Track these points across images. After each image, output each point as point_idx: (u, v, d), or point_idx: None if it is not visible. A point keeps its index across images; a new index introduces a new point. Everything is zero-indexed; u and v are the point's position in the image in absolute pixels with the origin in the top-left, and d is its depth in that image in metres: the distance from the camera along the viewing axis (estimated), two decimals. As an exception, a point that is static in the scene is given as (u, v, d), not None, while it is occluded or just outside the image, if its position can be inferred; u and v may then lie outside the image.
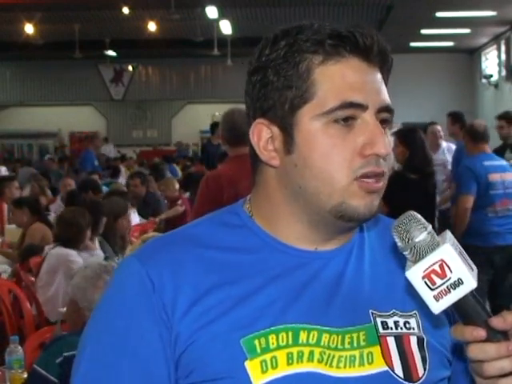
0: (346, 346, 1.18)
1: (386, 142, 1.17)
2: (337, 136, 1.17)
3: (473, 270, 1.09)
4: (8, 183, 9.01)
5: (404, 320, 1.23)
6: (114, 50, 18.93)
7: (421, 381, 1.20)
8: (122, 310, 1.19)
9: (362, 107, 1.17)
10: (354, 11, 14.76)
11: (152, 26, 15.25)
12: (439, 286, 1.07)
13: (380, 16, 14.65)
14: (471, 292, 1.07)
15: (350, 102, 1.16)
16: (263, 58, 1.20)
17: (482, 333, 1.07)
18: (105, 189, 9.56)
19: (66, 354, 2.88)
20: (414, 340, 1.22)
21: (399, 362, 1.20)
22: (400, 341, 1.21)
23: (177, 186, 9.15)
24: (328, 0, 13.89)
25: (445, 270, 1.07)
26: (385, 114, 1.20)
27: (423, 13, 13.37)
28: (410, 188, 5.59)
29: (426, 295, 1.08)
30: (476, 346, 1.07)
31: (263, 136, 1.22)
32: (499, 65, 15.84)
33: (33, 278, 5.63)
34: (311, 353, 1.15)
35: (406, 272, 1.09)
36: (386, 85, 1.22)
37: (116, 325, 1.18)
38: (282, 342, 1.15)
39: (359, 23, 1.19)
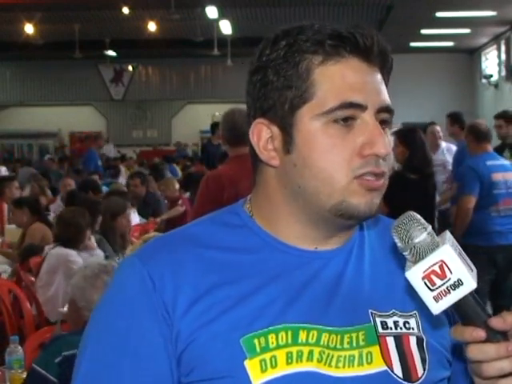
0: (346, 345, 1.18)
1: (385, 142, 1.17)
2: (336, 136, 1.17)
3: (472, 270, 1.09)
4: (8, 183, 9.02)
5: (404, 320, 1.23)
6: (114, 50, 18.94)
7: (420, 381, 1.20)
8: (123, 310, 1.19)
9: (361, 107, 1.17)
10: (353, 11, 14.76)
11: (152, 26, 15.26)
12: (439, 287, 1.07)
13: (380, 16, 14.66)
14: (471, 293, 1.07)
15: (350, 102, 1.16)
16: (264, 58, 1.20)
17: (481, 333, 1.06)
18: (105, 189, 9.57)
19: (65, 354, 2.88)
20: (413, 340, 1.22)
21: (398, 361, 1.20)
22: (399, 341, 1.21)
23: (177, 186, 9.14)
24: (328, 0, 13.90)
25: (444, 271, 1.07)
26: (385, 115, 1.20)
27: (423, 13, 13.37)
28: (409, 188, 5.59)
29: (426, 296, 1.08)
30: (475, 347, 1.07)
31: (263, 136, 1.22)
32: (499, 65, 15.84)
33: (33, 278, 5.63)
34: (311, 352, 1.16)
35: (406, 272, 1.09)
36: (387, 85, 1.22)
37: (117, 325, 1.19)
38: (282, 341, 1.16)
39: (359, 23, 1.19)
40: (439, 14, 13.54)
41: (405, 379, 1.19)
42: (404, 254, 1.10)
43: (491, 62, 16.63)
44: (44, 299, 5.31)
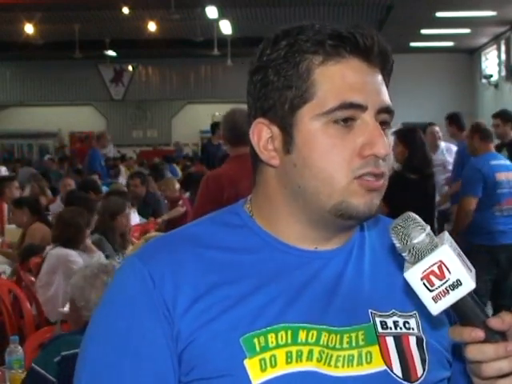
0: (345, 345, 1.18)
1: (385, 143, 1.17)
2: (336, 136, 1.17)
3: (471, 271, 1.09)
4: (8, 183, 9.02)
5: (403, 320, 1.23)
6: (114, 50, 18.93)
7: (419, 381, 1.20)
8: (124, 310, 1.19)
9: (361, 108, 1.17)
10: (354, 11, 14.76)
11: (152, 26, 15.25)
12: (438, 288, 1.07)
13: (380, 16, 14.66)
14: (470, 293, 1.07)
15: (350, 102, 1.16)
16: (264, 58, 1.20)
17: (480, 333, 1.07)
18: (105, 189, 9.56)
19: (63, 354, 2.88)
20: (413, 340, 1.22)
21: (398, 361, 1.20)
22: (399, 341, 1.21)
23: (177, 186, 9.14)
24: (328, 0, 13.90)
25: (443, 271, 1.07)
26: (385, 115, 1.20)
27: (423, 13, 13.37)
28: (409, 188, 5.59)
29: (425, 296, 1.08)
30: (474, 347, 1.07)
31: (263, 136, 1.22)
32: (499, 65, 15.85)
33: (33, 278, 5.63)
34: (310, 352, 1.16)
35: (405, 273, 1.09)
36: (387, 86, 1.23)
37: (117, 325, 1.19)
38: (282, 340, 1.16)
39: (360, 23, 1.19)
40: (439, 14, 13.54)
41: (404, 379, 1.19)
42: (403, 254, 1.10)
43: (491, 62, 16.64)
44: (44, 299, 5.31)
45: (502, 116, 7.67)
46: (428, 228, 1.10)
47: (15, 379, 3.32)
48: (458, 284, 1.06)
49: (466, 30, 15.30)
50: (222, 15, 14.58)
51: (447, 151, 8.75)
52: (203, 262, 1.20)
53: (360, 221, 1.22)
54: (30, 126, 22.85)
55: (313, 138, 1.18)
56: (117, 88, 22.83)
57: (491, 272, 5.88)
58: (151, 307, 1.17)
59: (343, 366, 1.17)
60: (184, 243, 1.23)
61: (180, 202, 8.82)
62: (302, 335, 1.16)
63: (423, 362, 1.21)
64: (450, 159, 8.53)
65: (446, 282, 1.07)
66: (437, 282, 1.07)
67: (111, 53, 19.05)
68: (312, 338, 1.17)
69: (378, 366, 1.18)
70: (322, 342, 1.17)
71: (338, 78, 1.17)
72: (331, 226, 1.22)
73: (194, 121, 22.80)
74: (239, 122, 4.19)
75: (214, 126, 11.58)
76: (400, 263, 1.17)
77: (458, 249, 1.10)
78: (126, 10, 13.84)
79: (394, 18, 14.02)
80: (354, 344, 1.18)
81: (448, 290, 1.07)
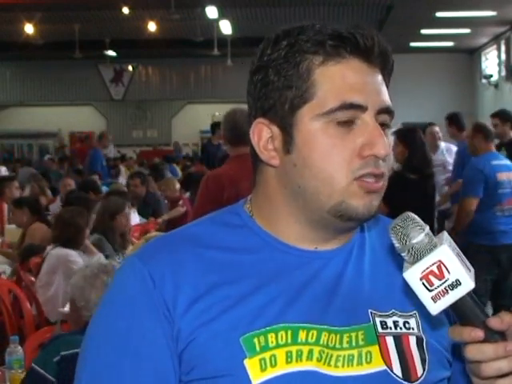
0: (345, 345, 1.18)
1: (385, 144, 1.18)
2: (336, 136, 1.17)
3: (470, 270, 1.09)
4: (8, 183, 9.02)
5: (403, 320, 1.23)
6: (114, 50, 18.94)
7: (419, 381, 1.20)
8: (124, 310, 1.19)
9: (361, 108, 1.17)
10: (354, 11, 14.76)
11: (152, 26, 15.26)
12: (437, 287, 1.07)
13: (380, 16, 14.66)
14: (469, 293, 1.07)
15: (350, 102, 1.16)
16: (265, 58, 1.21)
17: (479, 333, 1.07)
18: (105, 189, 9.56)
19: (63, 353, 2.88)
20: (413, 340, 1.22)
21: (398, 361, 1.20)
22: (399, 340, 1.21)
23: (177, 186, 9.13)
24: (328, 0, 13.90)
25: (443, 271, 1.07)
26: (385, 116, 1.20)
27: (423, 13, 13.38)
28: (409, 188, 5.59)
29: (424, 296, 1.08)
30: (474, 347, 1.07)
31: (263, 136, 1.22)
32: (499, 65, 15.85)
33: (33, 278, 5.63)
34: (310, 352, 1.16)
35: (404, 273, 1.09)
36: (388, 86, 1.23)
37: (117, 325, 1.19)
38: (282, 340, 1.16)
39: (360, 24, 1.19)
40: (439, 14, 13.54)
41: (404, 379, 1.19)
42: (402, 254, 1.10)
43: (491, 62, 16.64)
44: (44, 299, 5.31)
45: (501, 116, 7.68)
46: (427, 228, 1.10)
47: (15, 379, 3.32)
48: (457, 284, 1.06)
49: (466, 30, 15.30)
50: (222, 15, 14.59)
51: (447, 151, 8.75)
52: (203, 262, 1.21)
53: (359, 222, 1.22)
54: (30, 125, 22.85)
55: (313, 138, 1.18)
56: (117, 88, 22.83)
57: (492, 272, 5.88)
58: (151, 307, 1.17)
59: (343, 366, 1.17)
60: (184, 243, 1.23)
61: (180, 202, 8.82)
62: (301, 335, 1.17)
63: (423, 361, 1.21)
64: (450, 159, 8.53)
65: (445, 282, 1.07)
66: (436, 282, 1.07)
67: (111, 53, 19.06)
68: (312, 338, 1.17)
69: (378, 366, 1.19)
70: (321, 342, 1.17)
71: (338, 79, 1.17)
72: (330, 227, 1.22)
73: (194, 121, 22.80)
74: (240, 121, 4.19)
75: (214, 126, 11.58)
76: (400, 263, 1.17)
77: (457, 249, 1.10)
78: (126, 10, 13.85)
79: (394, 18, 14.02)
80: (353, 344, 1.18)
81: (447, 290, 1.07)
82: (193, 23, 15.44)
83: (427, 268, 1.07)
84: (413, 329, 1.23)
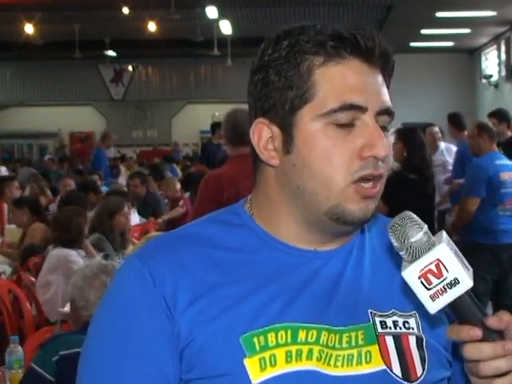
0: (344, 344, 1.18)
1: (385, 145, 1.18)
2: (336, 137, 1.17)
3: (468, 269, 1.09)
4: (8, 183, 9.02)
5: (403, 320, 1.23)
6: (114, 50, 18.93)
7: (419, 381, 1.20)
8: (124, 310, 1.19)
9: (361, 109, 1.17)
10: (354, 11, 14.76)
11: (152, 26, 15.25)
12: (435, 286, 1.07)
13: (380, 16, 14.66)
14: (467, 292, 1.08)
15: (350, 103, 1.16)
16: (265, 58, 1.21)
17: (478, 332, 1.07)
18: (105, 189, 9.57)
19: (62, 353, 2.88)
20: (412, 340, 1.22)
21: (397, 361, 1.20)
22: (399, 340, 1.21)
23: (178, 186, 9.13)
24: (328, 0, 13.90)
25: (441, 270, 1.07)
26: (385, 117, 1.20)
27: (423, 13, 13.37)
28: (409, 188, 5.59)
29: (422, 295, 1.08)
30: (472, 346, 1.07)
31: (263, 135, 1.22)
32: (499, 65, 15.85)
33: (33, 278, 5.63)
34: (310, 351, 1.16)
35: (402, 272, 1.09)
36: (388, 87, 1.23)
37: (117, 325, 1.19)
38: (281, 340, 1.16)
39: (361, 25, 1.19)
40: (439, 14, 13.54)
41: (404, 379, 1.19)
42: (400, 253, 1.11)
43: (491, 62, 16.64)
44: (44, 299, 5.31)
45: (498, 115, 7.68)
46: (425, 227, 1.10)
47: (15, 379, 3.31)
48: (455, 282, 1.07)
49: (466, 30, 15.30)
50: (222, 15, 14.58)
51: (447, 151, 8.76)
52: (203, 262, 1.21)
53: (355, 226, 1.22)
54: (30, 126, 22.84)
55: (312, 139, 1.18)
56: (117, 88, 22.82)
57: (493, 272, 5.88)
58: (151, 306, 1.17)
59: (343, 366, 1.17)
60: (184, 243, 1.24)
61: (181, 203, 8.82)
62: (301, 335, 1.17)
63: (423, 361, 1.21)
64: (450, 159, 8.53)
65: (443, 281, 1.07)
66: (434, 281, 1.07)
67: (111, 53, 19.05)
68: (312, 338, 1.17)
69: (378, 366, 1.19)
70: (321, 342, 1.17)
71: (338, 79, 1.17)
72: (327, 230, 1.22)
73: (194, 121, 22.79)
74: (240, 121, 4.19)
75: (214, 126, 11.57)
76: (399, 263, 1.17)
77: (456, 247, 1.10)
78: (125, 10, 13.84)
79: (394, 18, 14.02)
80: (353, 343, 1.19)
81: (445, 289, 1.07)
82: (193, 23, 15.44)
83: (426, 266, 1.07)
84: (412, 329, 1.23)
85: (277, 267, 1.22)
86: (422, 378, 1.20)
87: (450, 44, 17.28)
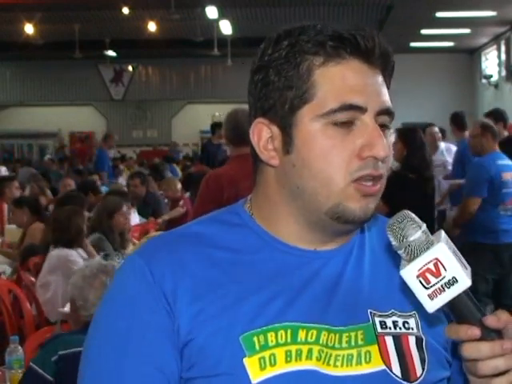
0: (344, 344, 1.18)
1: (384, 145, 1.18)
2: (336, 137, 1.17)
3: (467, 268, 1.09)
4: (8, 183, 9.02)
5: (403, 320, 1.23)
6: (114, 50, 18.93)
7: (419, 381, 1.20)
8: (124, 310, 1.20)
9: (361, 109, 1.17)
10: (353, 11, 14.76)
11: (152, 26, 15.25)
12: (434, 285, 1.07)
13: (380, 16, 14.66)
14: (465, 291, 1.08)
15: (350, 104, 1.16)
16: (265, 58, 1.21)
17: (476, 331, 1.07)
18: (105, 189, 9.57)
19: (61, 353, 2.88)
20: (412, 340, 1.22)
21: (397, 361, 1.20)
22: (398, 340, 1.21)
23: (178, 186, 9.13)
24: (328, 0, 13.90)
25: (439, 269, 1.07)
26: (385, 117, 1.20)
27: (423, 13, 13.38)
28: (409, 188, 5.59)
29: (421, 294, 1.08)
30: (470, 345, 1.08)
31: (263, 135, 1.23)
32: (499, 65, 15.85)
33: (33, 278, 5.63)
34: (310, 351, 1.16)
35: (401, 271, 1.10)
36: (388, 88, 1.22)
37: (117, 325, 1.19)
38: (281, 339, 1.16)
39: (361, 25, 1.19)
40: (439, 14, 13.54)
41: (403, 379, 1.19)
42: (399, 252, 1.11)
43: (491, 62, 16.64)
44: (44, 299, 5.31)
45: (494, 115, 7.67)
46: (424, 226, 1.10)
47: (15, 379, 3.31)
48: (453, 281, 1.07)
49: (466, 30, 15.30)
50: (222, 15, 14.58)
51: (447, 151, 8.76)
52: (203, 262, 1.21)
53: (356, 225, 1.23)
54: (30, 126, 22.84)
55: (312, 139, 1.18)
56: (117, 88, 22.82)
57: (494, 271, 5.89)
58: (151, 303, 1.17)
59: (342, 366, 1.17)
60: (184, 242, 1.24)
61: (181, 203, 8.82)
62: (301, 334, 1.17)
63: (422, 361, 1.22)
64: (450, 159, 8.53)
65: (441, 280, 1.07)
66: (433, 280, 1.07)
67: (111, 53, 19.05)
68: (312, 337, 1.17)
69: (377, 366, 1.19)
70: (321, 342, 1.17)
71: (338, 80, 1.17)
72: (328, 229, 1.22)
73: (194, 121, 22.79)
74: (241, 121, 4.19)
75: (214, 126, 11.58)
76: (399, 262, 1.17)
77: (454, 247, 1.11)
78: (125, 10, 13.84)
79: (394, 18, 14.02)
80: (353, 343, 1.19)
81: (444, 288, 1.07)
82: (193, 23, 15.44)
83: (424, 266, 1.08)
84: (412, 329, 1.23)
85: (277, 267, 1.22)
86: (421, 378, 1.20)
87: (450, 44, 17.29)
